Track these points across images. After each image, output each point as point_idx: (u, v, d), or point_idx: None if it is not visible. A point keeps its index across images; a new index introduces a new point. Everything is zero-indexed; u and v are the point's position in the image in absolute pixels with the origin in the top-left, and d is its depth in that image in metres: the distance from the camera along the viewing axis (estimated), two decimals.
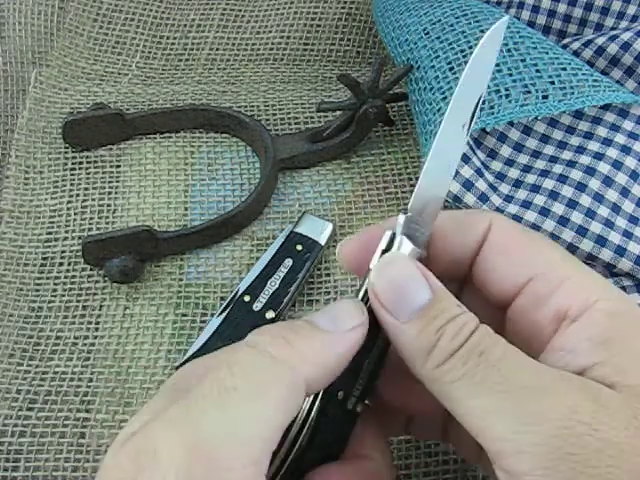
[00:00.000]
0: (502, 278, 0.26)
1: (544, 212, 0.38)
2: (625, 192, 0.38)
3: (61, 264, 0.41)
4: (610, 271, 0.38)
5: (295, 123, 0.48)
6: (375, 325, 0.25)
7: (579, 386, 0.22)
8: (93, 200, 0.43)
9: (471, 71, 0.26)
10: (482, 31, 0.41)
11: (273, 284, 0.38)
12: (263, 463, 0.21)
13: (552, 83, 0.38)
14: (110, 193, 0.44)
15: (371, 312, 0.25)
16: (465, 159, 0.40)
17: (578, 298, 0.24)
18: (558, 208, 0.38)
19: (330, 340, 0.23)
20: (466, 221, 0.27)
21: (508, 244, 0.26)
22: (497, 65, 0.39)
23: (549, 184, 0.39)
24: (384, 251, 0.26)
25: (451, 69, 0.40)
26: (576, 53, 0.44)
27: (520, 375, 0.22)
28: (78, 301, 0.39)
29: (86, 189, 0.44)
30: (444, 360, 0.22)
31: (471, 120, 0.26)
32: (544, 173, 0.40)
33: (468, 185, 0.40)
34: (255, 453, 0.20)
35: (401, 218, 0.26)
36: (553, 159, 0.41)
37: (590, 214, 0.37)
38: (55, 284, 0.40)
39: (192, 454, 0.20)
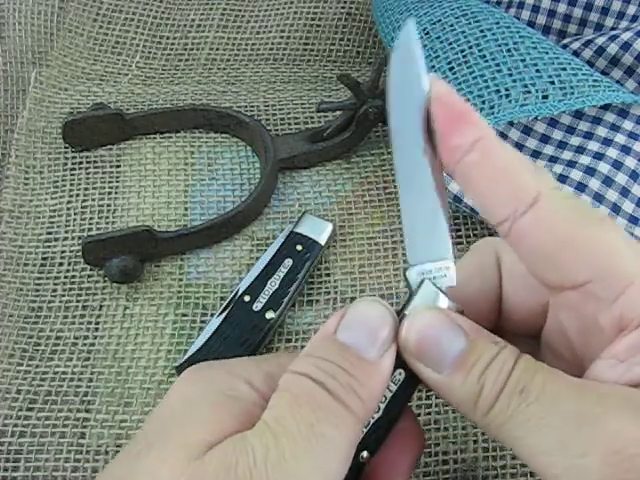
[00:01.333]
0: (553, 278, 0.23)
1: None
2: (625, 192, 0.38)
3: (61, 264, 0.41)
4: None
5: (295, 123, 0.48)
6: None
7: (625, 404, 0.21)
8: (93, 200, 0.43)
9: (397, 90, 0.23)
10: (482, 31, 0.41)
11: (273, 284, 0.38)
12: None
13: (552, 83, 0.39)
14: (110, 193, 0.44)
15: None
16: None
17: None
18: None
19: (378, 370, 0.23)
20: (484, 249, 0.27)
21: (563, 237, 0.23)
22: (497, 65, 0.39)
23: None
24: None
25: (451, 69, 0.40)
26: (576, 53, 0.44)
27: (564, 404, 0.21)
28: (78, 301, 0.39)
29: (86, 189, 0.44)
30: (490, 407, 0.22)
31: (430, 137, 0.23)
32: None
33: None
34: None
35: (410, 273, 0.25)
36: (553, 159, 0.41)
37: None
38: (55, 284, 0.40)
39: None
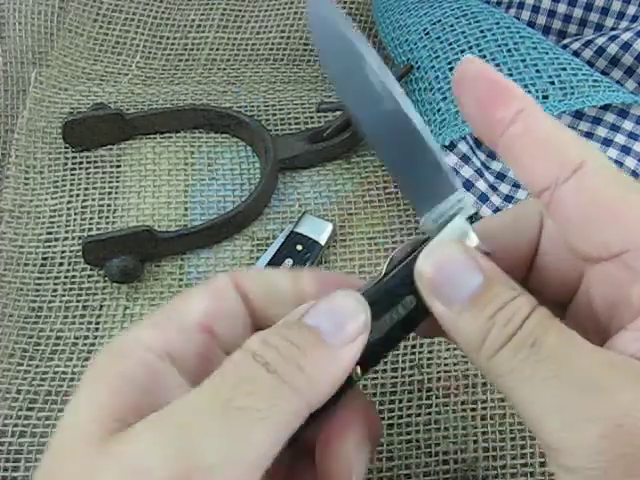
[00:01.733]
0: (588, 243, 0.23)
1: None
2: None
3: (61, 264, 0.41)
4: None
5: (295, 123, 0.48)
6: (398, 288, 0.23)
7: (636, 378, 0.20)
8: (93, 200, 0.43)
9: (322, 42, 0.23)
10: (482, 31, 0.41)
11: None
12: None
13: (552, 83, 0.39)
14: (110, 193, 0.44)
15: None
16: (465, 159, 0.40)
17: None
18: None
19: (337, 356, 0.22)
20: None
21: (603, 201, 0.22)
22: (497, 65, 0.39)
23: None
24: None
25: (451, 69, 0.41)
26: (576, 53, 0.44)
27: (575, 367, 0.20)
28: (78, 301, 0.39)
29: (86, 189, 0.44)
30: (496, 351, 0.21)
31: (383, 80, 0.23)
32: None
33: (468, 185, 0.40)
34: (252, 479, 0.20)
35: (425, 223, 0.24)
36: None
37: None
38: (55, 284, 0.40)
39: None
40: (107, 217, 0.43)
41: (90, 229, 0.42)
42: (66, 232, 0.42)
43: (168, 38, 0.53)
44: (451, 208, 0.24)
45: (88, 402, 0.22)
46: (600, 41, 0.43)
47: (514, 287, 0.22)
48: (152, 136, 0.47)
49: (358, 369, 0.24)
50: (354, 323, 0.23)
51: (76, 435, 0.21)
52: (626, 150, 0.39)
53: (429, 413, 0.35)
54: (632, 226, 0.22)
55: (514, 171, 0.24)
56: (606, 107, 0.41)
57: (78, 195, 0.44)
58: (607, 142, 0.40)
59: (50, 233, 0.42)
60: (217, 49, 0.53)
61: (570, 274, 0.24)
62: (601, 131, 0.40)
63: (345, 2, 0.54)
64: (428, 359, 0.37)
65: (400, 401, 0.36)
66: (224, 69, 0.53)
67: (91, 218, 0.43)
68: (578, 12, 0.46)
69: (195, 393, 0.21)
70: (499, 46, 0.40)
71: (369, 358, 0.24)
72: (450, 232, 0.23)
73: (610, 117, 0.41)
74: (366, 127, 0.24)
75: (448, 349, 0.37)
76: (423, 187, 0.24)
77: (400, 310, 0.24)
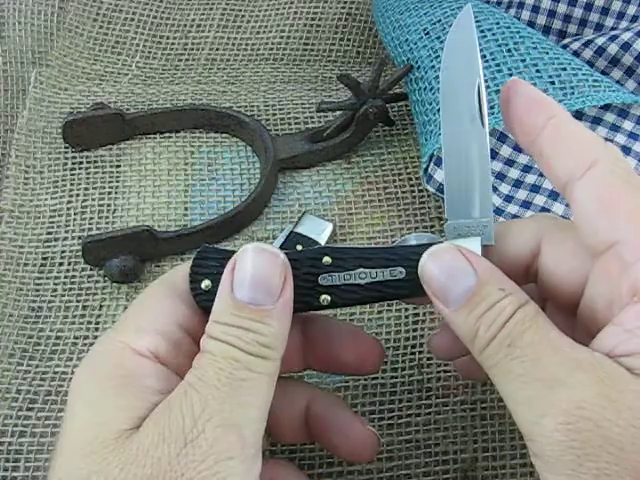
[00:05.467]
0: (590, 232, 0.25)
1: (544, 212, 0.38)
2: None
3: (61, 264, 0.41)
4: None
5: (295, 123, 0.48)
6: None
7: (599, 378, 0.22)
8: (93, 200, 0.43)
9: (451, 58, 0.27)
10: (482, 31, 0.41)
11: None
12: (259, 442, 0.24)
13: (552, 83, 0.39)
14: (110, 193, 0.44)
15: None
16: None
17: None
18: (558, 208, 0.38)
19: (277, 314, 0.24)
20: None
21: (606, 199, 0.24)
22: (497, 65, 0.39)
23: (549, 184, 0.39)
24: None
25: None
26: (576, 53, 0.44)
27: (542, 366, 0.22)
28: (78, 301, 0.39)
29: (86, 189, 0.44)
30: (483, 349, 0.24)
31: (480, 110, 0.26)
32: None
33: None
34: (253, 433, 0.23)
35: (447, 226, 0.27)
36: None
37: None
38: (55, 284, 0.40)
39: None
40: (107, 217, 0.43)
41: (90, 229, 0.42)
42: (66, 232, 0.42)
43: (168, 38, 0.53)
44: (475, 228, 0.27)
45: (100, 405, 0.24)
46: (600, 41, 0.43)
47: (505, 286, 0.24)
48: (152, 136, 0.47)
49: (328, 297, 0.26)
50: (275, 277, 0.25)
51: (92, 435, 0.23)
52: (626, 150, 0.39)
53: (429, 413, 0.35)
54: (622, 218, 0.24)
55: (543, 170, 0.26)
56: (606, 107, 0.41)
57: (78, 195, 0.44)
58: (607, 142, 0.40)
59: (50, 233, 0.42)
60: (217, 49, 0.53)
61: (576, 275, 0.26)
62: (601, 131, 0.40)
63: (345, 2, 0.54)
64: (428, 359, 0.37)
65: (400, 401, 0.36)
66: (224, 69, 0.53)
67: (91, 218, 0.43)
68: (578, 12, 0.46)
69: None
70: (499, 46, 0.40)
71: (343, 294, 0.26)
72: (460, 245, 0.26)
73: (610, 117, 0.41)
74: (448, 128, 0.27)
75: None
76: (463, 198, 0.27)
77: (386, 274, 0.26)
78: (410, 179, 0.45)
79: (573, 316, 0.26)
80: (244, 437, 0.23)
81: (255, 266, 0.25)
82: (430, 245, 0.26)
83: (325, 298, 0.26)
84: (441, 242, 0.26)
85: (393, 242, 0.42)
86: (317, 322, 0.30)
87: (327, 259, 0.26)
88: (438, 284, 0.25)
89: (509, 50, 0.40)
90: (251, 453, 0.23)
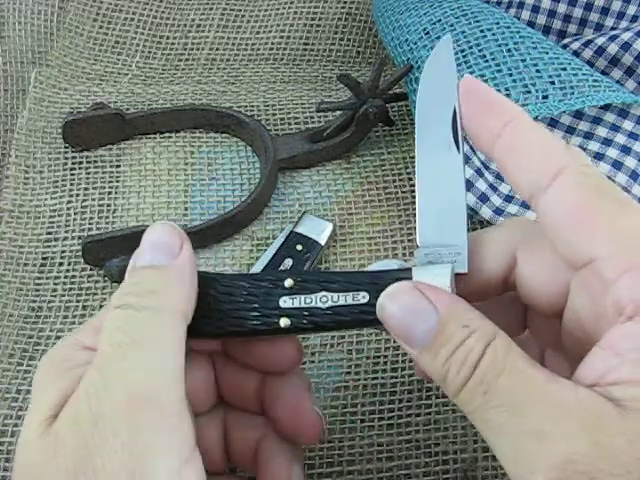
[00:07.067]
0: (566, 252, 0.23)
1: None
2: (625, 192, 0.38)
3: (61, 264, 0.41)
4: None
5: (295, 123, 0.48)
6: None
7: (586, 425, 0.20)
8: (93, 200, 0.43)
9: (427, 89, 0.26)
10: (482, 31, 0.41)
11: None
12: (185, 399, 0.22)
13: (552, 83, 0.39)
14: (110, 193, 0.44)
15: None
16: (465, 159, 0.40)
17: (637, 296, 0.21)
18: None
19: (173, 269, 0.24)
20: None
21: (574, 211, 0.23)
22: (497, 65, 0.39)
23: None
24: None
25: None
26: (576, 53, 0.44)
27: (523, 416, 0.21)
28: (78, 301, 0.39)
29: (86, 189, 0.44)
30: (457, 392, 0.22)
31: (456, 136, 0.26)
32: None
33: (468, 185, 0.40)
34: (169, 394, 0.22)
35: (418, 252, 0.26)
36: None
37: None
38: (55, 284, 0.40)
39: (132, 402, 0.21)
40: (107, 217, 0.43)
41: (90, 229, 0.42)
42: (66, 232, 0.42)
43: (168, 38, 0.53)
44: (447, 255, 0.25)
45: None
46: (600, 41, 0.43)
47: (469, 321, 0.23)
48: (152, 136, 0.47)
49: (288, 321, 0.26)
50: (172, 238, 0.25)
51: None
52: (626, 150, 0.39)
53: (429, 413, 0.35)
54: (598, 235, 0.22)
55: (508, 180, 0.25)
56: (606, 107, 0.41)
57: (78, 195, 0.44)
58: (607, 142, 0.40)
59: (50, 233, 0.42)
60: (217, 49, 0.53)
61: (555, 285, 0.24)
62: (601, 131, 0.40)
63: (345, 2, 0.54)
64: None
65: (400, 401, 0.36)
66: (224, 69, 0.53)
67: (91, 218, 0.43)
68: (578, 12, 0.46)
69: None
70: (499, 46, 0.40)
71: (301, 316, 0.26)
72: (430, 274, 0.25)
73: (610, 117, 0.41)
74: (423, 154, 0.26)
75: None
76: (437, 224, 0.26)
77: (349, 298, 0.25)
78: (410, 179, 0.45)
79: (557, 319, 0.25)
80: (160, 402, 0.21)
81: (151, 234, 0.25)
82: (396, 271, 0.25)
83: (285, 321, 0.26)
84: (409, 269, 0.25)
85: (393, 242, 0.42)
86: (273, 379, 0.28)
87: (289, 281, 0.26)
88: (399, 324, 0.24)
89: (509, 50, 0.40)
90: (173, 420, 0.22)
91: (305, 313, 0.26)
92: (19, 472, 0.22)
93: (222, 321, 0.26)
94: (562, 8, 0.46)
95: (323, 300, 0.26)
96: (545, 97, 0.38)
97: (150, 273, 0.24)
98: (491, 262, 0.26)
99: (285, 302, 0.26)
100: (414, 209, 0.43)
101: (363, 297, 0.25)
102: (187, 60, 0.53)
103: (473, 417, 0.22)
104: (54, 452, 0.21)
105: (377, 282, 0.25)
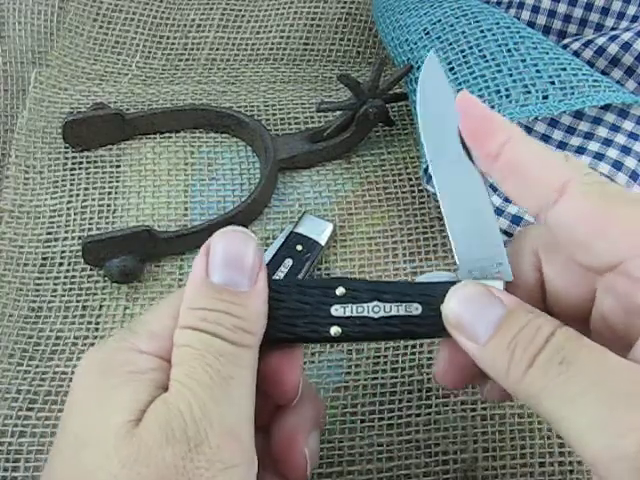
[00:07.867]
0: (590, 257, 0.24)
1: None
2: None
3: (61, 264, 0.41)
4: None
5: (295, 123, 0.48)
6: None
7: None
8: (93, 200, 0.43)
9: (427, 108, 0.26)
10: (482, 31, 0.41)
11: None
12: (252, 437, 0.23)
13: (552, 83, 0.39)
14: (110, 193, 0.44)
15: None
16: None
17: None
18: None
19: (254, 297, 0.24)
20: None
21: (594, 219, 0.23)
22: (497, 65, 0.39)
23: None
24: None
25: (451, 69, 0.40)
26: (576, 53, 0.44)
27: (608, 383, 0.21)
28: (78, 301, 0.39)
29: (86, 189, 0.44)
30: (523, 374, 0.22)
31: (465, 146, 0.26)
32: None
33: None
34: (248, 433, 0.23)
35: (459, 272, 0.26)
36: None
37: None
38: (55, 284, 0.40)
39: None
40: (107, 217, 0.43)
41: (90, 229, 0.42)
42: (66, 232, 0.42)
43: (168, 38, 0.53)
44: (489, 267, 0.26)
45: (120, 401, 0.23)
46: (600, 41, 0.43)
47: (532, 310, 0.23)
48: (152, 136, 0.47)
49: (339, 330, 0.25)
50: (249, 256, 0.25)
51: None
52: (626, 150, 0.39)
53: (429, 413, 0.35)
54: (620, 238, 0.22)
55: (512, 199, 0.25)
56: (606, 107, 0.41)
57: (78, 195, 0.44)
58: (607, 142, 0.40)
59: (50, 233, 0.42)
60: (217, 49, 0.53)
61: (581, 291, 0.25)
62: (601, 131, 0.40)
63: (345, 2, 0.54)
64: (428, 359, 0.37)
65: (400, 401, 0.36)
66: (224, 69, 0.53)
67: (91, 218, 0.43)
68: (578, 12, 0.46)
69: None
70: (499, 46, 0.40)
71: (351, 322, 0.26)
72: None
73: (610, 117, 0.41)
74: (440, 175, 0.26)
75: None
76: (470, 239, 0.26)
77: (401, 309, 0.25)
78: (410, 179, 0.45)
79: (584, 326, 0.25)
80: (243, 442, 0.23)
81: (230, 244, 0.25)
82: (448, 283, 0.25)
83: (336, 330, 0.25)
84: (460, 281, 0.25)
85: (393, 242, 0.42)
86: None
87: (341, 290, 0.26)
88: (465, 320, 0.24)
89: (509, 50, 0.40)
90: (250, 457, 0.23)
91: (357, 322, 0.25)
92: (85, 470, 0.22)
93: (272, 327, 0.25)
94: (562, 8, 0.46)
95: (375, 310, 0.25)
96: (545, 97, 0.38)
97: (231, 298, 0.24)
98: (526, 271, 0.26)
99: (337, 310, 0.26)
100: (414, 209, 0.43)
101: (416, 309, 0.25)
102: (187, 60, 0.53)
103: (543, 396, 0.21)
104: (136, 458, 0.22)
105: (430, 294, 0.25)
